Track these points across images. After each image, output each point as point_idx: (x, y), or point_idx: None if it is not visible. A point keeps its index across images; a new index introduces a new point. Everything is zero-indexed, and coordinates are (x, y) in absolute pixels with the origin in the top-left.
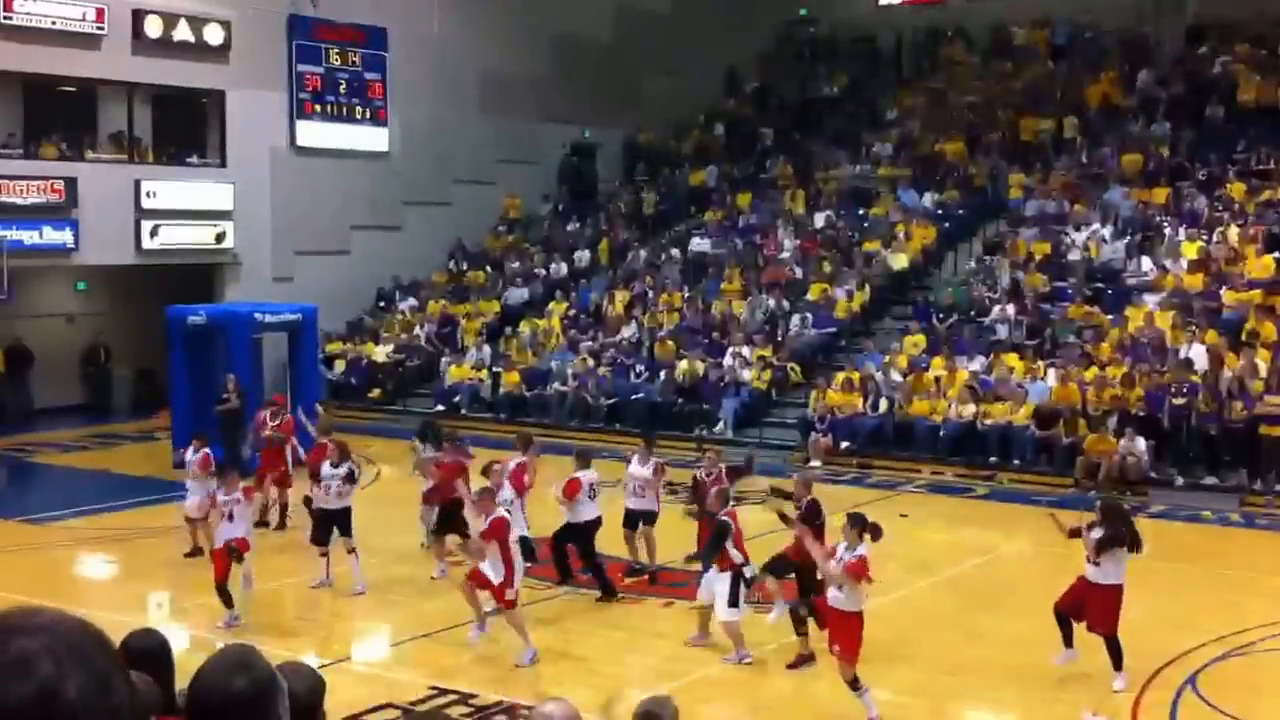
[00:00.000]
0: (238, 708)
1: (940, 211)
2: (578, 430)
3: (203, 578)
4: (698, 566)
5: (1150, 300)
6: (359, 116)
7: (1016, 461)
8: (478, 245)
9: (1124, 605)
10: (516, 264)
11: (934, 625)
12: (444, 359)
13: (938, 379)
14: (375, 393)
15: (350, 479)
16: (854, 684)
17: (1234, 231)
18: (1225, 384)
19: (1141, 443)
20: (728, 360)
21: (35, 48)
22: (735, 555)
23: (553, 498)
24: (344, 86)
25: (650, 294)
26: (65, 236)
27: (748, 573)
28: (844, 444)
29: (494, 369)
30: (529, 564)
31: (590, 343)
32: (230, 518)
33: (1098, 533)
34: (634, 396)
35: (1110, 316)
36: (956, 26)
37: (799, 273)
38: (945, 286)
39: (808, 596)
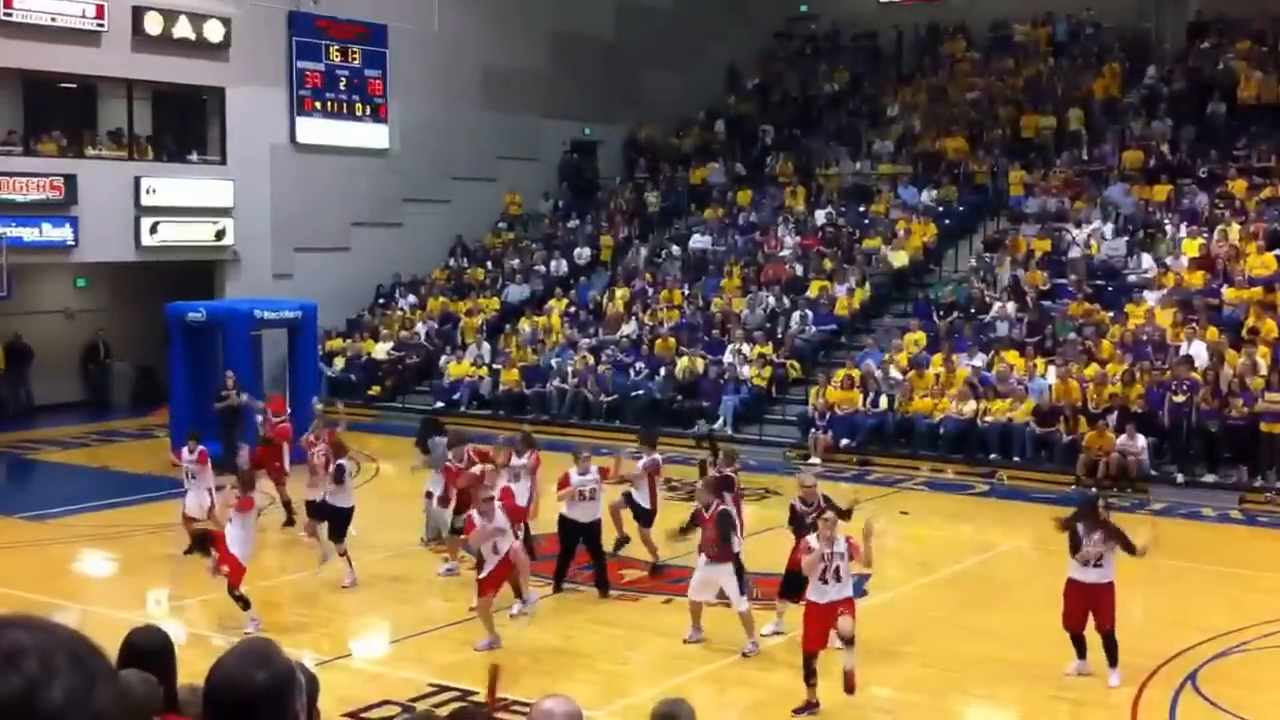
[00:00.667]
0: (258, 702)
1: (941, 208)
2: (577, 427)
3: (200, 575)
4: (686, 541)
5: (1151, 297)
6: (359, 113)
7: (1016, 459)
8: (478, 242)
9: (1123, 602)
10: (516, 261)
11: (934, 622)
12: (444, 356)
13: (938, 376)
14: (375, 390)
15: (339, 478)
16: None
17: (1235, 229)
18: (1226, 381)
19: (1142, 440)
20: (728, 357)
21: (35, 44)
22: (735, 544)
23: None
24: (344, 83)
25: (650, 291)
26: (65, 233)
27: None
28: (844, 441)
29: (494, 366)
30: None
31: (590, 340)
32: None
33: (1099, 534)
34: (634, 394)
35: (1111, 314)
36: (957, 23)
37: (799, 270)
38: (946, 283)
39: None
